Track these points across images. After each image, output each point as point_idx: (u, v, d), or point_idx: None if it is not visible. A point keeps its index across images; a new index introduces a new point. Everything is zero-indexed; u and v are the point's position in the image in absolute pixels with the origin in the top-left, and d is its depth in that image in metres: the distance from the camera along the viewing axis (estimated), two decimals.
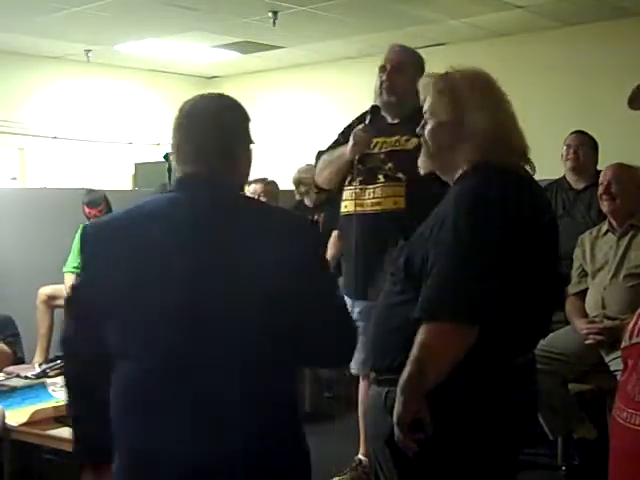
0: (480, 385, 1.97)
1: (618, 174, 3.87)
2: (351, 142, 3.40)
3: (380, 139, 3.45)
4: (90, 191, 5.91)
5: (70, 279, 5.73)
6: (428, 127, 2.12)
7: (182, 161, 1.92)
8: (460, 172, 2.08)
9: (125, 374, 1.80)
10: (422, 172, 2.18)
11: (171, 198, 1.91)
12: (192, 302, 1.76)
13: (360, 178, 3.44)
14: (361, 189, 3.43)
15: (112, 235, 1.86)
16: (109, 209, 5.77)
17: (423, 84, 2.15)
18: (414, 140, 3.35)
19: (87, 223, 1.98)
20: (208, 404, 1.74)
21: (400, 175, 3.37)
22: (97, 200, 5.78)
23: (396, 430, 1.94)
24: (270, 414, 1.78)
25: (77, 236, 5.84)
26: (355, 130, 3.42)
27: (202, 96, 1.98)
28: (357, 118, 3.58)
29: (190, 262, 1.77)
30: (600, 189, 3.90)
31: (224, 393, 1.74)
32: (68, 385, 1.97)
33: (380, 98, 3.49)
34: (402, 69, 3.46)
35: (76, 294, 1.98)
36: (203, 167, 1.88)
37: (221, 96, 2.00)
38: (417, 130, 2.16)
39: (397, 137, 3.44)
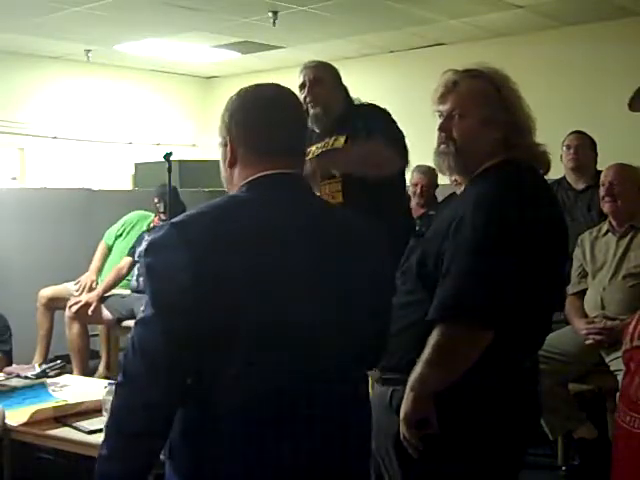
0: (490, 389, 1.96)
1: (620, 174, 3.86)
2: None
3: (311, 148, 3.51)
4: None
5: (103, 249, 5.77)
6: (453, 124, 2.08)
7: (265, 155, 1.74)
8: (480, 170, 2.07)
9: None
10: (448, 173, 2.16)
11: (283, 199, 1.73)
12: (321, 316, 1.68)
13: None
14: None
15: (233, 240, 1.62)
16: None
17: (445, 81, 2.12)
18: (341, 139, 3.46)
19: (190, 214, 1.67)
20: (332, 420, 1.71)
21: (334, 172, 3.43)
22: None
23: (402, 428, 1.94)
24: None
25: (132, 220, 5.80)
26: None
27: (275, 85, 1.82)
28: None
29: (319, 270, 1.69)
30: (602, 190, 3.89)
31: (343, 412, 1.73)
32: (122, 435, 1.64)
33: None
34: (321, 81, 3.55)
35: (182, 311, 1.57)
36: (296, 164, 1.78)
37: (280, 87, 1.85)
38: (438, 127, 2.12)
39: (326, 141, 3.52)
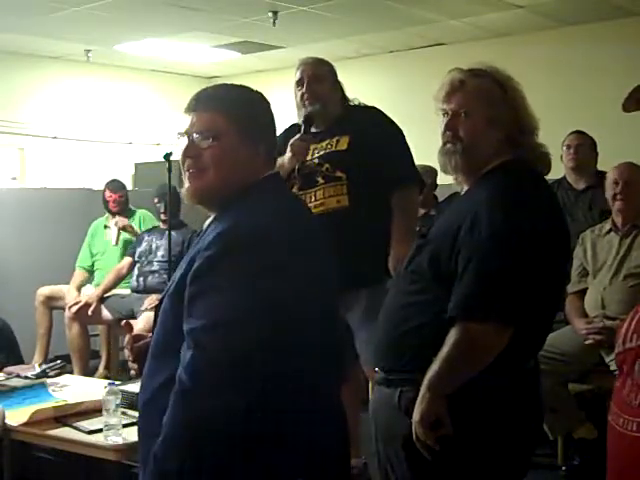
0: (497, 390, 1.96)
1: (633, 174, 3.85)
2: (289, 153, 3.43)
3: (311, 146, 3.49)
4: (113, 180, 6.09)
5: (80, 275, 5.78)
6: (460, 122, 2.08)
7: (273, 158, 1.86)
8: (487, 169, 2.08)
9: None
10: (453, 173, 2.15)
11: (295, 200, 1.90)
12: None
13: (297, 185, 3.46)
14: (301, 194, 3.44)
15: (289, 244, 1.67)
16: (127, 201, 5.91)
17: (451, 80, 2.12)
18: (345, 139, 3.43)
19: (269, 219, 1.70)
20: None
21: (339, 174, 3.41)
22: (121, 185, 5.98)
23: (418, 429, 1.92)
24: None
25: (90, 231, 5.89)
26: (292, 141, 3.44)
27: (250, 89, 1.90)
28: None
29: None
30: (613, 188, 3.84)
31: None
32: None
33: (304, 110, 3.52)
34: (319, 78, 3.53)
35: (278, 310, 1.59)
36: None
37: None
38: (443, 127, 2.12)
39: (327, 141, 3.48)
